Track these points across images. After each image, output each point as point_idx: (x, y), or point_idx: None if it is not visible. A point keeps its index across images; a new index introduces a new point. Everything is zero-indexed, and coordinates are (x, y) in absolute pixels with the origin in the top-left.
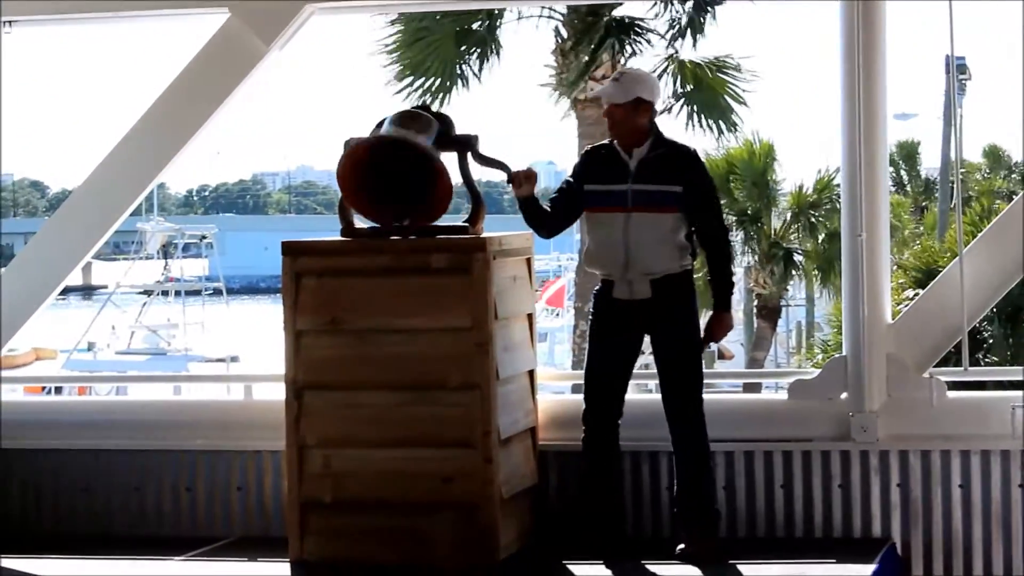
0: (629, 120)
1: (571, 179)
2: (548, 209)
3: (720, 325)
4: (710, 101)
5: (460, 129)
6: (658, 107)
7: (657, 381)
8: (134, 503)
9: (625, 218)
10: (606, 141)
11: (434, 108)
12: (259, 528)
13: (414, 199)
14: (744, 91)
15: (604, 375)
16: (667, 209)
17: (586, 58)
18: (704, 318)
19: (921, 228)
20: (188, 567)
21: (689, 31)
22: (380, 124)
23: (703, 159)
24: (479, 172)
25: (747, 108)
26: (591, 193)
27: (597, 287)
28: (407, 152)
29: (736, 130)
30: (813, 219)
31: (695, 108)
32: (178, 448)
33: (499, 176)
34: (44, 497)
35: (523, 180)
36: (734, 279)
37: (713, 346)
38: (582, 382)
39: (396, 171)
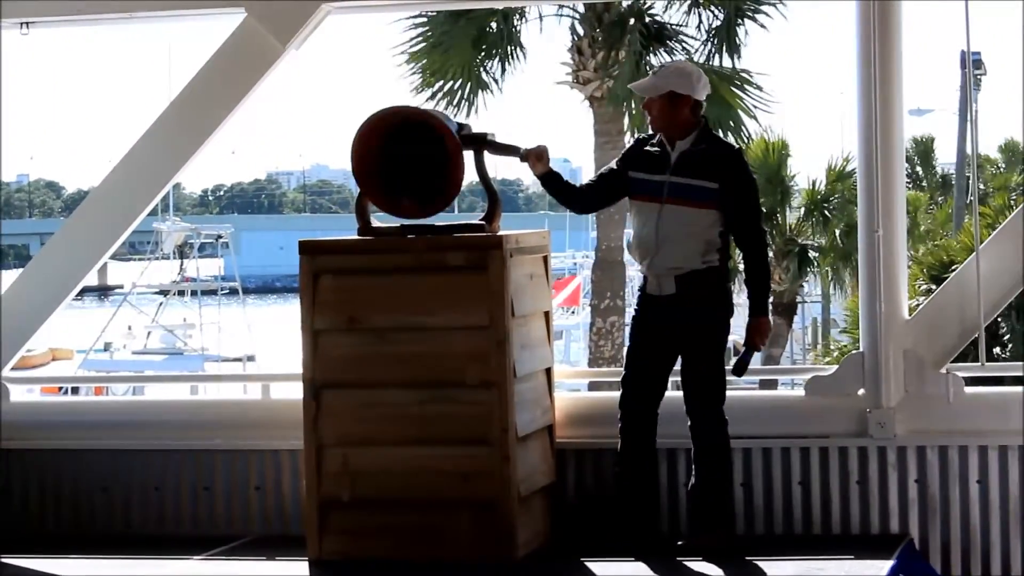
0: (666, 113)
1: (616, 164)
2: (577, 185)
3: (758, 331)
4: (721, 114)
5: (476, 128)
6: (703, 101)
7: (677, 378)
8: (153, 503)
9: (659, 210)
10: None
11: (458, 119)
12: (277, 527)
13: (427, 187)
14: (756, 107)
15: (638, 366)
16: (702, 205)
17: (612, 58)
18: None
19: (931, 223)
20: (207, 566)
21: (725, 45)
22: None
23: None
24: (496, 171)
25: (758, 124)
26: (634, 180)
27: (640, 280)
28: (422, 131)
29: (748, 144)
30: (827, 214)
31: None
32: (197, 448)
33: (516, 173)
34: (63, 497)
35: (535, 158)
36: (771, 283)
37: (756, 354)
38: (598, 380)
39: (410, 155)
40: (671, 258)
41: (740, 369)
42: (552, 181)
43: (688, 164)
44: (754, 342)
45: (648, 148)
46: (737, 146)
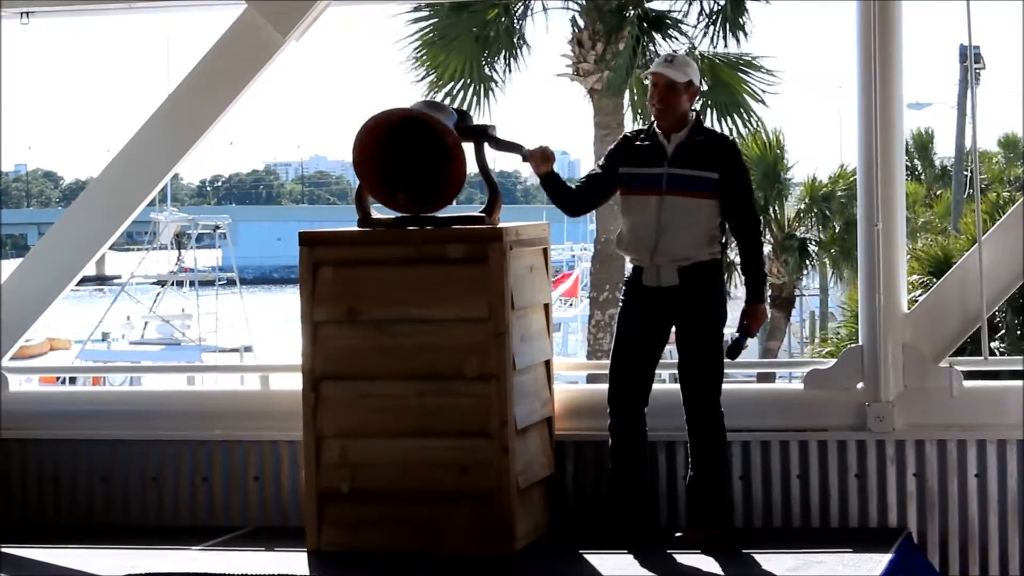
0: (677, 101)
1: (604, 162)
2: (573, 188)
3: (755, 317)
4: (728, 99)
5: (478, 120)
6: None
7: (673, 371)
8: (152, 493)
9: (659, 201)
10: (643, 126)
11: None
12: (276, 518)
13: (428, 184)
14: (763, 91)
15: (629, 361)
16: (702, 195)
17: (614, 51)
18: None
19: (931, 214)
20: (205, 557)
21: (729, 27)
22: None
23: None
24: (495, 162)
25: (765, 107)
26: (626, 176)
27: (628, 273)
28: (424, 131)
29: (755, 129)
30: (827, 212)
31: (710, 105)
32: (196, 438)
33: (514, 165)
34: (62, 487)
35: (539, 159)
36: (766, 270)
37: (749, 342)
38: (597, 372)
39: (412, 153)
40: (675, 249)
41: (735, 352)
42: (551, 183)
43: (686, 155)
44: (750, 328)
45: (639, 143)
46: (731, 137)
